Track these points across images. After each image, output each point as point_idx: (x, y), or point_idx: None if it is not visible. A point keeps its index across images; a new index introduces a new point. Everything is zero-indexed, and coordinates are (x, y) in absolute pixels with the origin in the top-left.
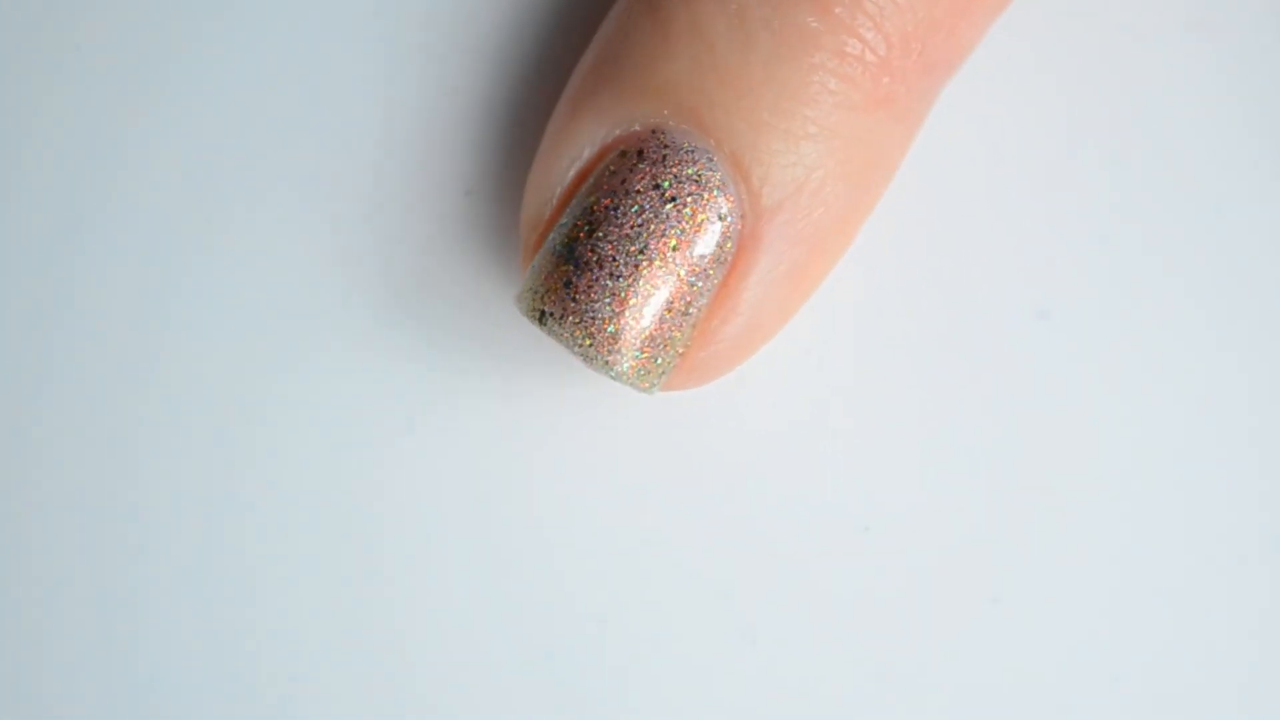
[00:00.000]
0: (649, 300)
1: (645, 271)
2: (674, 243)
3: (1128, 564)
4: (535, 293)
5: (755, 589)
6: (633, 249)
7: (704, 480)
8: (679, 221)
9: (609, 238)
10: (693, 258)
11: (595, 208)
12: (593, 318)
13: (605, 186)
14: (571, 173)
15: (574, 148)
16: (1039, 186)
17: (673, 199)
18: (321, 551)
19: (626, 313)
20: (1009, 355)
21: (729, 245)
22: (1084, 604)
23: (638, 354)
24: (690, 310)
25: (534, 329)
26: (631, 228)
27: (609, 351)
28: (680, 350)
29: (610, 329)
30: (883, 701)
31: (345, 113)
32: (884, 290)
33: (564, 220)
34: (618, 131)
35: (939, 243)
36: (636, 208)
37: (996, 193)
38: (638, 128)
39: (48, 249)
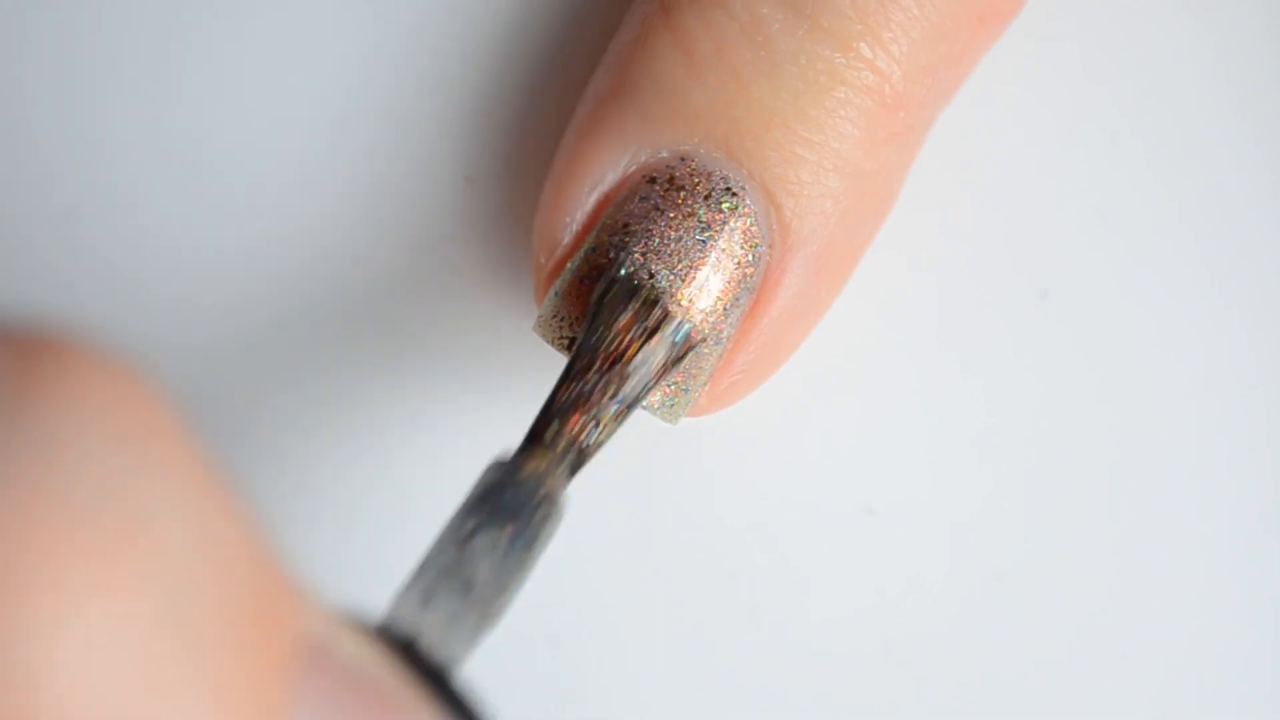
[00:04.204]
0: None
1: (683, 300)
2: (711, 271)
3: (1131, 541)
4: (562, 320)
5: (759, 571)
6: (670, 278)
7: (706, 463)
8: (714, 250)
9: (645, 265)
10: (727, 286)
11: (627, 235)
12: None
13: (637, 213)
14: (594, 198)
15: (595, 172)
16: (1038, 166)
17: (708, 226)
18: (320, 548)
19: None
20: (1009, 334)
21: (758, 274)
22: (1088, 581)
23: (669, 384)
24: (721, 339)
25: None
26: (668, 255)
27: None
28: (706, 380)
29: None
30: (888, 680)
31: (345, 100)
32: (885, 270)
33: (591, 245)
34: (643, 157)
35: (940, 223)
36: (675, 235)
37: (997, 172)
38: (665, 154)
39: (45, 245)
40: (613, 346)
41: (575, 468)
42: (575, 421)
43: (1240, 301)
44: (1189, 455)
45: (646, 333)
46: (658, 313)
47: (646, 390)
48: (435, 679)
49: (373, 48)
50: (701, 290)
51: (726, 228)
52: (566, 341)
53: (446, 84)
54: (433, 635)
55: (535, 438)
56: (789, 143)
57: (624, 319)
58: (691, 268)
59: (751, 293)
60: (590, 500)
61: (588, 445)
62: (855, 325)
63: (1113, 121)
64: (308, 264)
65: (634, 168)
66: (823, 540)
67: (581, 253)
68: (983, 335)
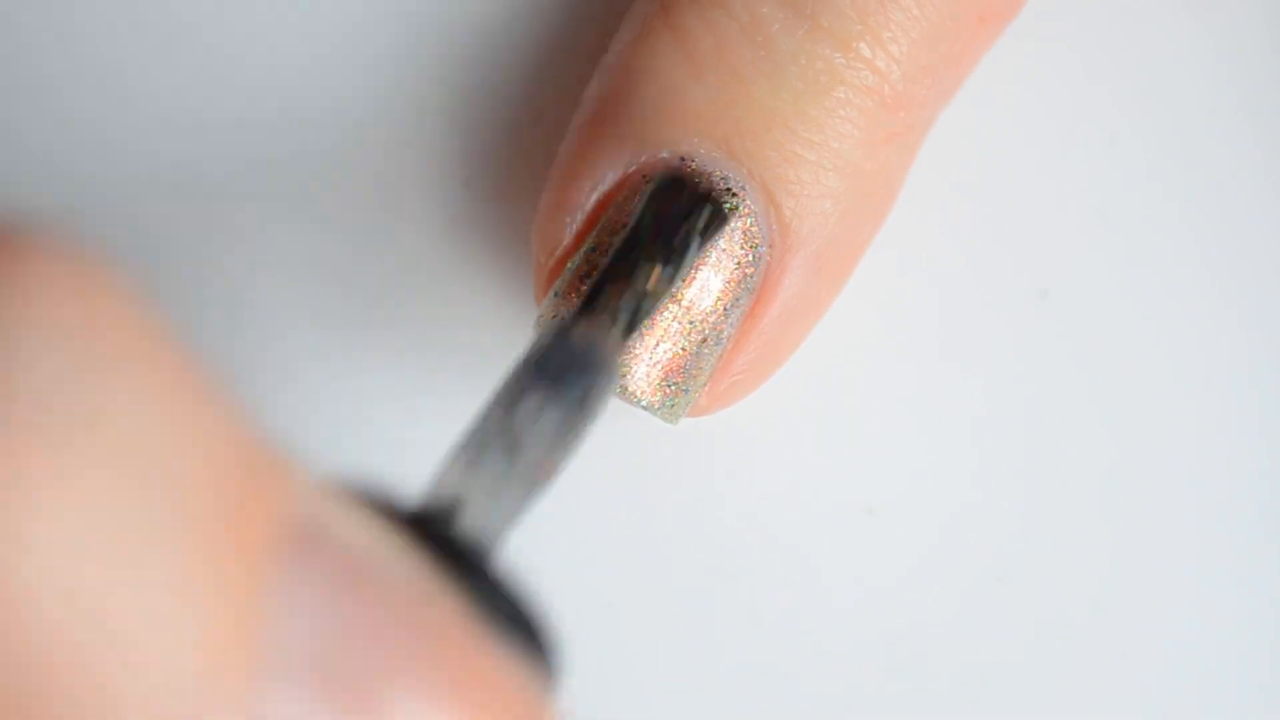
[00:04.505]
0: (685, 331)
1: (683, 300)
2: (711, 271)
3: (1130, 541)
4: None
5: (759, 571)
6: (671, 277)
7: (706, 463)
8: (715, 250)
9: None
10: (727, 287)
11: (630, 234)
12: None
13: (638, 213)
14: (594, 198)
15: (595, 172)
16: (1038, 166)
17: (708, 226)
18: None
19: (664, 343)
20: (1009, 334)
21: (758, 275)
22: (1088, 582)
23: (669, 384)
24: (721, 339)
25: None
26: (670, 255)
27: (641, 382)
28: (706, 380)
29: (646, 358)
30: (888, 680)
31: (342, 103)
32: (885, 270)
33: (591, 246)
34: (644, 157)
35: (940, 223)
36: (676, 236)
37: (997, 172)
38: (665, 154)
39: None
40: (664, 226)
41: (628, 332)
42: (627, 288)
43: (1240, 301)
44: (1189, 455)
45: (697, 222)
46: (709, 212)
47: (694, 261)
48: (470, 560)
49: (372, 48)
50: (701, 290)
51: (726, 227)
52: None
53: (446, 84)
54: (477, 500)
55: (588, 303)
56: (789, 143)
57: (678, 207)
58: (691, 268)
59: (751, 293)
60: (590, 500)
61: (639, 310)
62: (855, 325)
63: (1113, 121)
64: (307, 265)
65: (634, 168)
66: (823, 540)
67: (581, 253)
68: (983, 335)
